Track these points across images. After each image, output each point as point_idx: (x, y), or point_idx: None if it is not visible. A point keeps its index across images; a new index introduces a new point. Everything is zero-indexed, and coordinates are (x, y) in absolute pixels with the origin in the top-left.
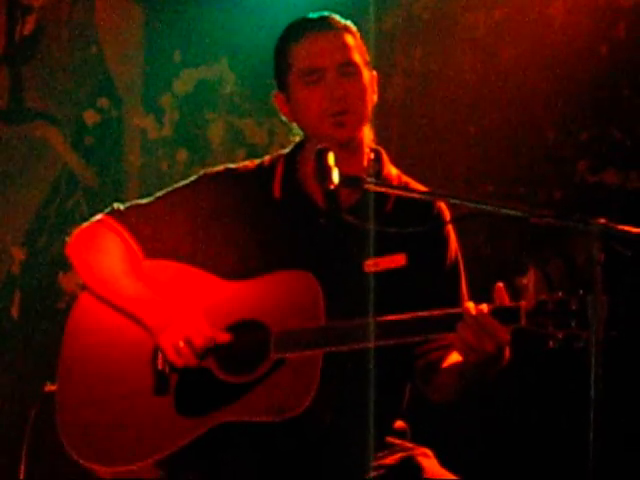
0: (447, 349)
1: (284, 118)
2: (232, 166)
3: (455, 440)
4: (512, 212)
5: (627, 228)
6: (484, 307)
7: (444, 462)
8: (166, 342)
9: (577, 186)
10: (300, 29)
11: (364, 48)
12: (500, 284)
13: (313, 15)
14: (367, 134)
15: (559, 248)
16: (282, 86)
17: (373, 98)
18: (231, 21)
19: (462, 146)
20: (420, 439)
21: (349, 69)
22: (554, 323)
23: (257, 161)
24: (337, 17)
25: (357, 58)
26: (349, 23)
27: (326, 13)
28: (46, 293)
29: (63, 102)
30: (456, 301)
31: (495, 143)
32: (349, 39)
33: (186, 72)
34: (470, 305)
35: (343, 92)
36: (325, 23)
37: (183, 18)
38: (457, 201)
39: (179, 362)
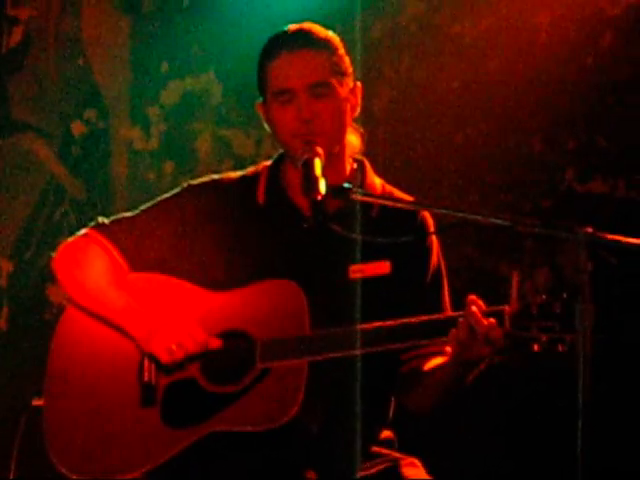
0: (428, 357)
1: (267, 127)
2: (215, 177)
3: (443, 449)
4: (499, 221)
5: (614, 236)
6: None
7: (432, 472)
8: (158, 346)
9: (564, 195)
10: (276, 46)
11: (345, 60)
12: (472, 296)
13: (294, 27)
14: (351, 144)
15: (546, 257)
16: (263, 98)
17: (354, 110)
18: (217, 32)
19: (448, 155)
20: (408, 448)
21: (321, 90)
22: (538, 326)
23: (240, 172)
24: (317, 29)
25: (331, 77)
26: (330, 35)
27: (306, 26)
28: (34, 305)
29: (50, 114)
30: (438, 309)
31: (481, 152)
32: (325, 56)
33: (173, 83)
34: (462, 314)
35: (312, 114)
36: (302, 40)
37: (170, 30)
38: (443, 210)
39: (170, 364)
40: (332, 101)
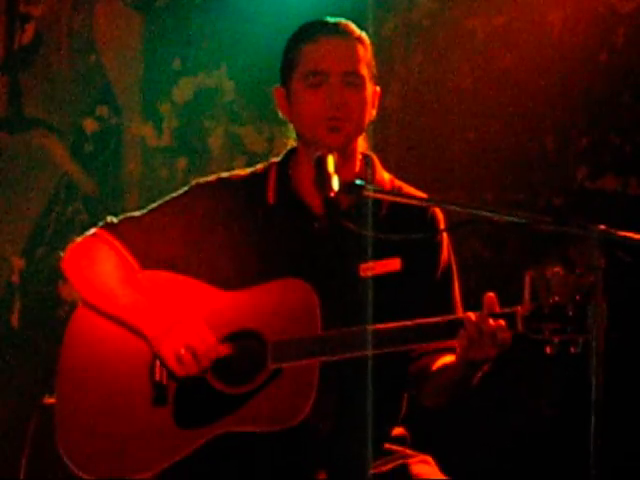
0: (437, 354)
1: (280, 114)
2: (224, 175)
3: (456, 447)
4: (511, 219)
5: (627, 234)
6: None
7: (445, 469)
8: (167, 350)
9: (577, 192)
10: (315, 30)
11: (373, 62)
12: (490, 294)
13: (330, 19)
14: (360, 143)
15: (559, 255)
16: (285, 82)
17: (372, 113)
18: (230, 29)
19: (461, 153)
20: (420, 446)
21: (354, 79)
22: (550, 328)
23: (249, 169)
24: (353, 26)
25: (364, 70)
26: (364, 35)
27: (343, 20)
28: (46, 302)
29: (62, 110)
30: (449, 306)
31: (494, 150)
32: (360, 50)
33: (185, 80)
34: (470, 314)
35: (343, 100)
36: (340, 29)
37: (182, 26)
38: (455, 207)
39: (180, 371)
40: (360, 92)
